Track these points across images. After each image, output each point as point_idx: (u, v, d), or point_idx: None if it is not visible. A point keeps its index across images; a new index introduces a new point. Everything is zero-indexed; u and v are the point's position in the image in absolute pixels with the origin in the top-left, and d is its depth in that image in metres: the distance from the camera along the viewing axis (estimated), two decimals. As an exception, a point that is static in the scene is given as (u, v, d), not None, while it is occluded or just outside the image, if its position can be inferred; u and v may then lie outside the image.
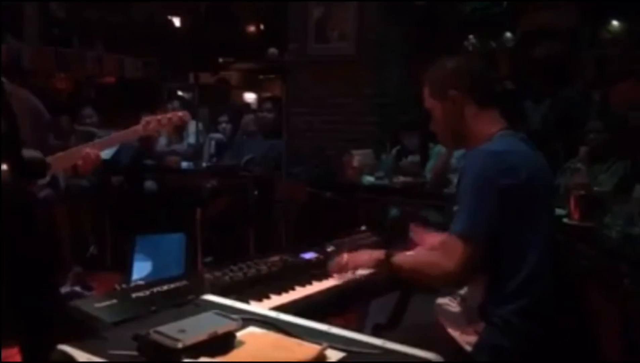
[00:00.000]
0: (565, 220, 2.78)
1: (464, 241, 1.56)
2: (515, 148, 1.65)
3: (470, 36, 6.75)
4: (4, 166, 0.57)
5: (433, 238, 1.93)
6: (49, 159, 2.34)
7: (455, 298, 1.79)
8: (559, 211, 2.96)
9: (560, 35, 5.85)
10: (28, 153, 0.55)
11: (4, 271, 0.53)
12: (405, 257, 1.75)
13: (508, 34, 6.59)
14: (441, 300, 1.81)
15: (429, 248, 1.80)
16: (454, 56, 1.84)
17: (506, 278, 1.60)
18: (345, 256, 1.85)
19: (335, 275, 1.86)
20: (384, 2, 4.92)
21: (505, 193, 1.55)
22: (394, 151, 4.15)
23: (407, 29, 5.07)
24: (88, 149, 2.28)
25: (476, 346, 1.61)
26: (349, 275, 1.86)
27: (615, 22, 5.69)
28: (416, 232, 2.04)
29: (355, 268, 1.84)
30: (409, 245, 2.03)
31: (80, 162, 2.24)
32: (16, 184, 0.55)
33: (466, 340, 1.64)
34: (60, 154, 2.29)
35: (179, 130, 5.27)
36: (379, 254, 1.77)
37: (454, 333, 1.67)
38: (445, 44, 5.83)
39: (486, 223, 1.56)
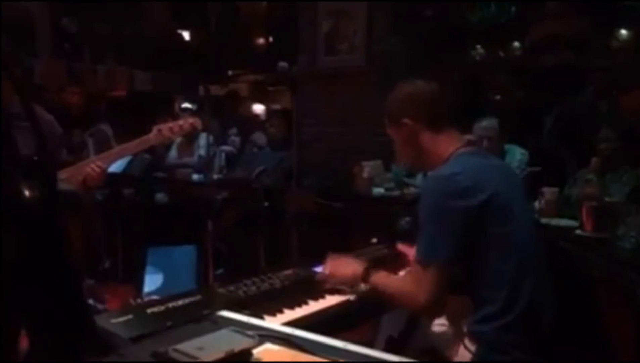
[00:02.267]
0: (577, 231, 2.78)
1: (427, 269, 1.55)
2: (469, 168, 1.64)
3: (478, 46, 6.76)
4: (28, 192, 0.58)
5: None
6: (61, 174, 2.39)
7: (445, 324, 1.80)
8: (570, 223, 2.96)
9: (569, 44, 5.85)
10: (63, 185, 0.56)
11: (35, 296, 0.55)
12: (382, 279, 1.73)
13: (516, 44, 6.59)
14: (437, 327, 1.82)
15: (406, 274, 1.79)
16: (408, 83, 1.85)
17: (487, 297, 1.59)
18: (327, 269, 1.87)
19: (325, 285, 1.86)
20: (392, 14, 4.95)
21: (460, 215, 1.55)
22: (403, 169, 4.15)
23: (415, 39, 5.09)
24: (93, 165, 2.30)
25: None
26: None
27: (624, 31, 5.68)
28: (404, 250, 2.09)
29: (337, 283, 1.84)
30: (402, 260, 2.06)
31: (87, 178, 2.26)
32: (46, 214, 0.56)
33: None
34: (70, 168, 2.32)
35: (191, 139, 5.30)
36: (358, 270, 1.77)
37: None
38: (453, 54, 5.85)
39: (445, 248, 1.55)
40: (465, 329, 1.64)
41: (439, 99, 1.81)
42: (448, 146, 1.73)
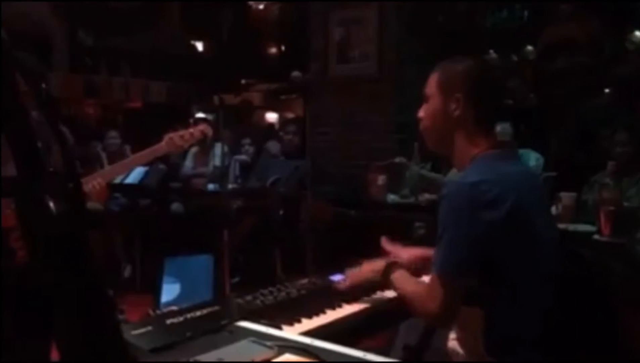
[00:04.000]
0: (595, 236, 2.75)
1: (444, 281, 1.48)
2: (495, 176, 1.51)
3: (491, 50, 6.75)
4: (55, 207, 0.60)
5: (405, 250, 1.94)
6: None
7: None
8: (588, 228, 2.94)
9: (583, 47, 5.82)
10: (91, 205, 0.58)
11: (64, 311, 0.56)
12: (401, 279, 1.67)
13: (529, 47, 6.57)
14: (453, 337, 1.75)
15: (423, 281, 1.70)
16: (476, 61, 1.70)
17: (504, 311, 1.52)
18: (349, 273, 1.85)
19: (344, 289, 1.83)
20: (404, 20, 4.96)
21: (483, 226, 1.45)
22: (427, 166, 4.14)
23: (427, 46, 5.10)
24: (94, 182, 2.30)
25: None
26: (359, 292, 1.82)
27: (638, 33, 5.64)
28: (387, 246, 2.02)
29: (360, 280, 1.80)
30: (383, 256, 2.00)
31: (90, 193, 2.27)
32: (73, 228, 0.58)
33: None
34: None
35: (206, 148, 5.34)
36: (378, 266, 1.73)
37: None
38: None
39: (464, 260, 1.47)
40: (480, 345, 1.58)
41: (498, 90, 1.71)
42: (479, 143, 1.60)
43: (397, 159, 4.00)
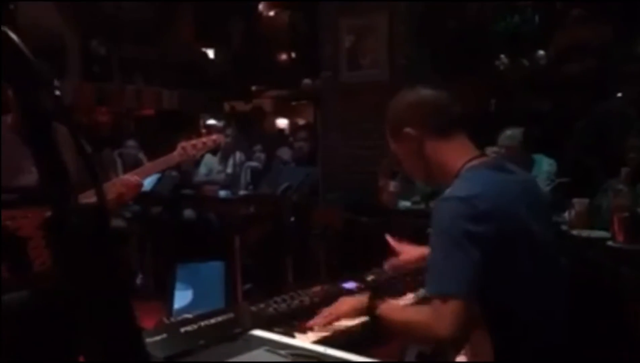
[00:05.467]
0: (609, 243, 2.74)
1: (447, 303, 1.38)
2: (487, 187, 1.45)
3: (502, 56, 6.74)
4: (78, 218, 0.61)
5: (412, 248, 1.92)
6: (90, 194, 2.45)
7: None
8: (602, 234, 2.92)
9: (595, 51, 5.79)
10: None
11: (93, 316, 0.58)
12: (393, 312, 1.56)
13: (540, 52, 6.55)
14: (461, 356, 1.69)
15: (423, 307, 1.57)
16: (408, 90, 1.65)
17: (507, 328, 1.46)
18: (326, 312, 1.69)
19: (316, 329, 1.67)
20: (414, 27, 4.97)
21: (479, 241, 1.38)
22: None
23: (438, 51, 5.10)
24: (128, 176, 2.36)
25: None
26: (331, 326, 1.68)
27: (651, 37, 5.60)
28: (394, 244, 1.99)
29: (337, 319, 1.67)
30: (390, 255, 1.99)
31: (123, 190, 2.32)
32: (99, 238, 0.59)
33: None
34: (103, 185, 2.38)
35: (226, 155, 5.38)
36: (360, 302, 1.62)
37: None
38: (477, 64, 5.83)
39: (466, 279, 1.38)
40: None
41: (446, 105, 1.61)
42: (458, 157, 1.54)
43: None
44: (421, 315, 1.48)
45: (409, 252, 1.96)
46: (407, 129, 1.57)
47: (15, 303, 1.64)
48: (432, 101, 1.61)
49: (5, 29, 0.61)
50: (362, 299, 1.63)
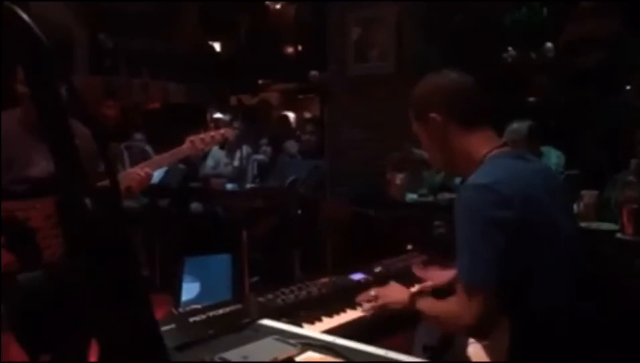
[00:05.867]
0: (618, 235, 2.72)
1: (472, 291, 1.39)
2: (509, 174, 1.46)
3: (510, 48, 6.69)
4: (92, 206, 0.61)
5: (439, 273, 1.89)
6: (102, 184, 2.48)
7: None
8: (611, 226, 2.90)
9: (604, 43, 5.74)
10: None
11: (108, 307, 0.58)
12: (429, 304, 1.61)
13: (549, 44, 6.49)
14: (471, 343, 1.67)
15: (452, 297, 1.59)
16: (437, 73, 1.64)
17: (526, 317, 1.45)
18: (373, 291, 1.79)
19: (362, 308, 1.78)
20: (421, 19, 4.94)
21: (504, 228, 1.38)
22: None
23: (445, 44, 5.07)
24: (137, 169, 2.38)
25: None
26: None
27: (661, 29, 5.53)
28: (420, 272, 2.00)
29: (383, 306, 1.75)
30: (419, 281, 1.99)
31: (133, 183, 2.33)
32: (113, 228, 0.59)
33: None
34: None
35: (234, 149, 5.39)
36: (405, 296, 1.69)
37: None
38: (485, 57, 5.79)
39: (492, 269, 1.38)
40: (505, 353, 1.51)
41: (474, 92, 1.59)
42: (482, 146, 1.53)
43: (414, 150, 3.98)
44: (450, 305, 1.50)
45: (435, 277, 1.93)
46: (433, 114, 1.56)
47: (28, 281, 1.65)
48: (461, 89, 1.59)
49: (23, 14, 0.61)
50: (406, 292, 1.70)
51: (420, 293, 1.69)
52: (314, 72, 4.04)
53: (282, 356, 1.08)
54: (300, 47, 9.12)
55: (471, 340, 1.70)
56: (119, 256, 0.57)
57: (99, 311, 0.56)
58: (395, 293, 1.75)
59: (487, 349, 1.62)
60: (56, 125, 0.62)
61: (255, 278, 4.43)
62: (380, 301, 1.74)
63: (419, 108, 1.62)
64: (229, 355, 1.05)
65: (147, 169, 2.37)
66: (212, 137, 2.54)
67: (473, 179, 1.47)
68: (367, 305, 1.77)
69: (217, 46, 9.49)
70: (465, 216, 1.43)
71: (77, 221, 0.56)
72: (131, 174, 2.37)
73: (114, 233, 0.58)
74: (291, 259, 4.39)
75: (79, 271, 0.57)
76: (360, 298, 1.81)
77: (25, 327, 1.69)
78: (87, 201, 0.56)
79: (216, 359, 1.04)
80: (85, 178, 0.59)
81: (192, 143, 2.47)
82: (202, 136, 2.51)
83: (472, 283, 1.40)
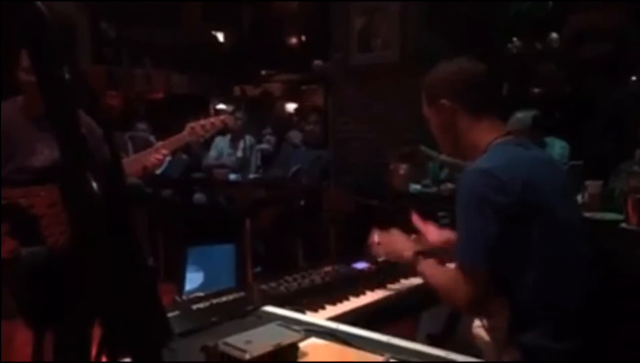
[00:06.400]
0: (622, 225, 2.71)
1: (466, 271, 1.46)
2: (508, 160, 1.51)
3: (514, 38, 6.65)
4: (97, 187, 0.61)
5: (436, 231, 1.92)
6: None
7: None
8: (615, 216, 2.89)
9: (609, 35, 5.71)
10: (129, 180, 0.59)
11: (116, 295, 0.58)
12: (430, 269, 1.66)
13: (554, 35, 6.46)
14: (477, 324, 1.71)
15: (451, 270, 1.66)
16: (450, 61, 1.68)
17: (525, 300, 1.48)
18: (377, 237, 1.88)
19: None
20: (426, 8, 4.91)
21: (500, 211, 1.42)
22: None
23: (450, 34, 5.04)
24: (158, 154, 2.44)
25: None
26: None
27: (666, 19, 5.50)
28: (419, 223, 1.99)
29: (384, 254, 1.86)
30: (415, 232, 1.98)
31: (148, 164, 2.39)
32: (117, 207, 0.59)
33: None
34: (128, 159, 2.49)
35: (236, 139, 5.39)
36: (408, 252, 1.73)
37: None
38: (489, 47, 5.76)
39: (486, 248, 1.44)
40: (505, 334, 1.55)
41: (484, 81, 1.64)
42: (488, 134, 1.59)
43: (422, 148, 3.98)
44: (446, 279, 1.57)
45: (434, 234, 1.94)
46: (442, 101, 1.62)
47: (31, 257, 1.67)
48: (471, 77, 1.64)
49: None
50: (409, 249, 1.73)
51: (423, 253, 1.71)
52: (317, 62, 4.03)
53: (285, 341, 1.07)
54: (303, 38, 9.09)
55: (477, 323, 1.72)
56: (121, 235, 0.57)
57: (101, 288, 0.56)
58: (398, 245, 1.80)
59: (487, 330, 1.65)
60: (63, 112, 0.62)
61: (258, 268, 4.44)
62: (381, 250, 1.84)
63: (430, 94, 1.67)
64: (232, 340, 1.05)
65: (164, 150, 2.42)
66: (212, 123, 2.56)
67: (475, 164, 1.53)
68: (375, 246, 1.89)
69: (220, 36, 9.46)
70: (463, 199, 1.49)
71: (82, 203, 0.56)
72: (147, 157, 2.41)
73: (118, 214, 0.57)
74: (294, 249, 4.39)
75: (82, 248, 0.57)
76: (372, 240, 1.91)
77: (28, 299, 1.71)
78: (92, 183, 0.56)
79: (220, 344, 1.04)
80: (91, 165, 0.59)
81: (192, 129, 2.50)
82: (202, 122, 2.54)
83: (465, 265, 1.46)
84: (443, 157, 4.00)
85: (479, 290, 1.45)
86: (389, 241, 1.84)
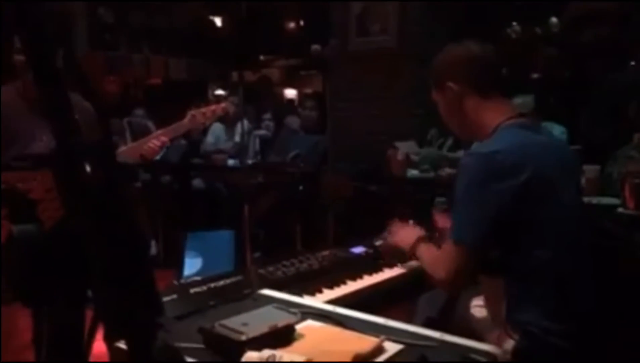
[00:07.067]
0: (620, 209, 2.72)
1: (457, 249, 1.48)
2: (512, 145, 1.51)
3: (514, 23, 6.62)
4: (90, 168, 0.61)
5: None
6: (121, 150, 2.53)
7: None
8: (612, 201, 2.89)
9: (609, 19, 5.67)
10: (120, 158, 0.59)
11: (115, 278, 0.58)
12: (424, 250, 1.71)
13: (554, 19, 6.42)
14: (475, 304, 1.74)
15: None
16: (458, 44, 1.69)
17: (526, 283, 1.50)
18: (390, 231, 1.95)
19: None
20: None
21: (497, 197, 1.45)
22: (449, 142, 4.10)
23: (449, 18, 5.01)
24: (156, 140, 2.45)
25: (513, 353, 1.49)
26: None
27: (667, 4, 5.46)
28: (438, 218, 2.05)
29: (393, 243, 1.90)
30: (436, 231, 2.03)
31: (146, 152, 2.40)
32: (110, 189, 0.59)
33: (501, 348, 1.51)
34: (124, 148, 2.48)
35: (231, 124, 5.38)
36: (411, 239, 1.77)
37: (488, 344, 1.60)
38: (489, 32, 5.73)
39: (477, 231, 1.47)
40: (503, 315, 1.56)
41: (491, 64, 1.66)
42: (496, 117, 1.59)
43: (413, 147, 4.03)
44: (435, 255, 1.62)
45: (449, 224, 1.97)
46: (450, 83, 1.64)
47: (24, 233, 1.67)
48: (478, 60, 1.65)
49: None
50: (414, 236, 1.77)
51: (424, 239, 1.75)
52: (315, 46, 4.01)
53: (282, 323, 1.08)
54: (302, 22, 9.03)
55: (474, 302, 1.73)
56: (112, 214, 0.57)
57: (96, 270, 0.56)
58: (404, 233, 1.85)
59: (488, 310, 1.68)
60: (55, 96, 0.62)
61: (257, 254, 4.45)
62: (389, 239, 1.91)
63: (437, 77, 1.70)
64: (229, 322, 1.06)
65: (163, 137, 2.42)
66: (213, 111, 2.58)
67: (478, 147, 1.57)
68: (379, 241, 1.97)
69: (218, 21, 9.40)
70: (461, 179, 1.52)
71: (74, 185, 0.56)
72: (146, 143, 2.41)
73: (108, 194, 0.58)
74: (293, 235, 4.40)
75: (73, 227, 0.57)
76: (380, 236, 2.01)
77: (22, 278, 1.72)
78: (85, 166, 0.57)
79: (216, 326, 1.05)
80: (84, 149, 0.59)
81: (193, 116, 2.52)
82: (203, 110, 2.56)
83: (455, 241, 1.49)
84: (443, 153, 4.03)
85: (462, 268, 1.48)
86: (396, 232, 1.90)
